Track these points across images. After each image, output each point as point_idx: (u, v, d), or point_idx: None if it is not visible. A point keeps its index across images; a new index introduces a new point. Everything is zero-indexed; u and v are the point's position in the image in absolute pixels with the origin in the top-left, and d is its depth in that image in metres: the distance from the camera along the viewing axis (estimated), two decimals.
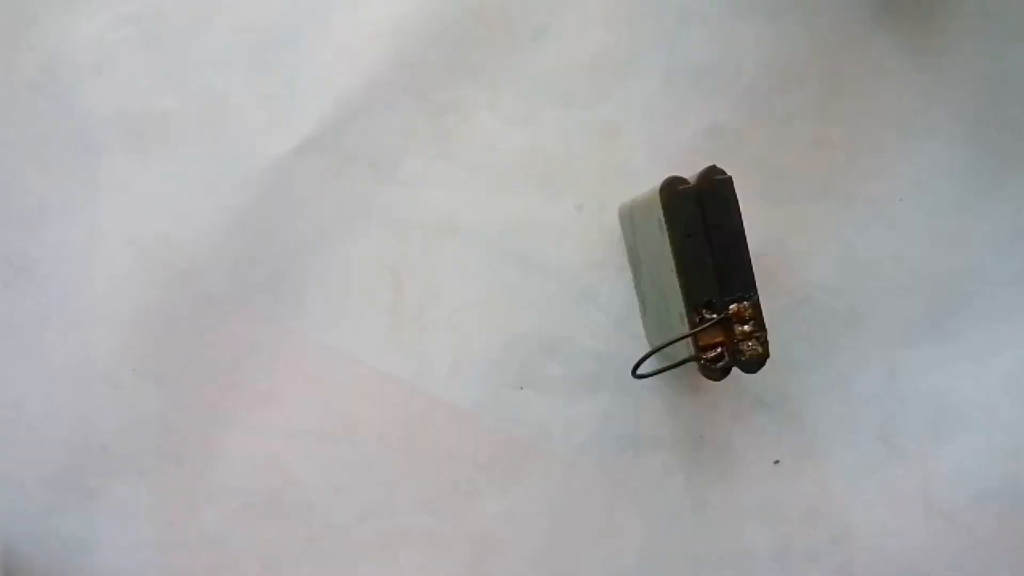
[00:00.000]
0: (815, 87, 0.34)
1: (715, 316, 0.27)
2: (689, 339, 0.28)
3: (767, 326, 0.28)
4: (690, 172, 0.28)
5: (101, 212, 0.33)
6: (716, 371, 0.28)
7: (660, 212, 0.28)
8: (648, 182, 0.29)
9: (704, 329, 0.27)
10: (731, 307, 0.28)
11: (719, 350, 0.28)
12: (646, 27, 0.34)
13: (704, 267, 0.27)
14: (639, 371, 0.29)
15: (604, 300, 0.34)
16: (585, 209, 0.34)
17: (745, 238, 0.28)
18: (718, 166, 0.28)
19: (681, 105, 0.34)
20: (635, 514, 0.33)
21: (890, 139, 0.35)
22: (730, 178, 0.28)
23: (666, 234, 0.28)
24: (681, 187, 0.27)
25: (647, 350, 0.31)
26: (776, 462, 0.34)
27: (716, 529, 0.34)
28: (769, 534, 0.34)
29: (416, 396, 0.33)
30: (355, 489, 0.33)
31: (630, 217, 0.32)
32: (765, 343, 0.28)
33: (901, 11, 0.35)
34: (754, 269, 0.28)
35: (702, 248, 0.28)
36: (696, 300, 0.28)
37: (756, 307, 0.28)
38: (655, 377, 0.33)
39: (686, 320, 0.28)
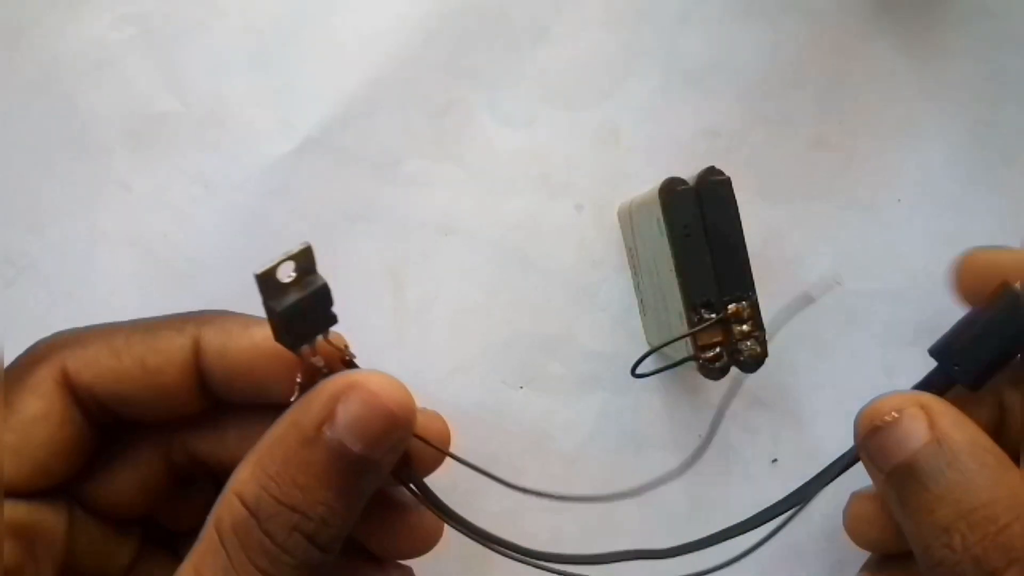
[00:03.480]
0: (813, 88, 0.35)
1: (714, 316, 0.28)
2: (688, 339, 0.28)
3: (765, 326, 0.28)
4: (689, 173, 0.28)
5: (102, 212, 0.33)
6: (715, 370, 0.28)
7: (659, 212, 0.28)
8: (647, 182, 0.29)
9: (703, 329, 0.28)
10: (730, 307, 0.28)
11: (718, 350, 0.28)
12: (646, 28, 0.34)
13: (703, 267, 0.28)
14: (638, 370, 0.29)
15: (603, 300, 0.34)
16: (585, 209, 0.34)
17: (743, 238, 0.28)
18: (717, 167, 0.28)
19: (680, 106, 0.34)
20: (634, 512, 0.34)
21: (888, 140, 0.35)
22: (729, 179, 0.28)
23: (665, 234, 0.28)
24: (680, 188, 0.28)
25: (646, 349, 0.31)
26: (774, 461, 0.34)
27: (714, 528, 0.34)
28: (767, 532, 0.34)
29: (416, 395, 0.33)
30: None
31: (629, 217, 0.32)
32: (763, 343, 0.28)
33: (899, 12, 0.35)
34: (752, 269, 0.28)
35: (701, 248, 0.28)
36: (695, 300, 0.28)
37: (754, 307, 0.28)
38: (654, 376, 0.33)
39: (685, 320, 0.28)
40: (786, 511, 0.25)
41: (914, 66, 0.35)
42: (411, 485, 0.24)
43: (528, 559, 0.24)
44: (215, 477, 0.25)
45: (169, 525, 0.26)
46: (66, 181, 0.33)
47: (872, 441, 0.23)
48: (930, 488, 0.21)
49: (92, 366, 0.22)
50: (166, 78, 0.33)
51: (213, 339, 0.23)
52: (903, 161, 0.35)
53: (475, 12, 0.34)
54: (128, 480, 0.24)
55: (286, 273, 0.20)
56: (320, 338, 0.22)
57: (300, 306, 0.21)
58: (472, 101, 0.34)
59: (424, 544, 0.26)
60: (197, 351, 0.23)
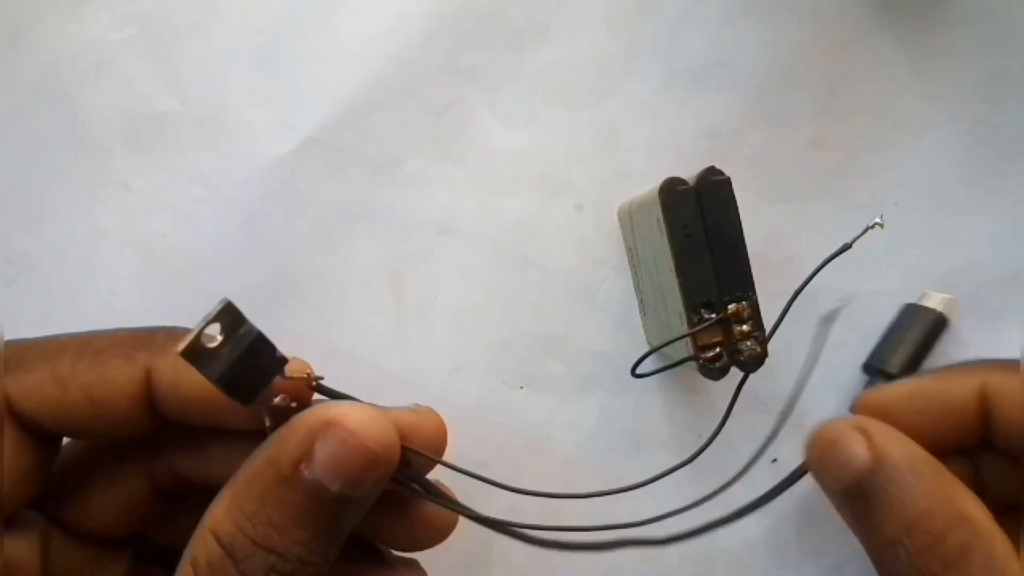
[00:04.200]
0: (813, 88, 0.35)
1: (714, 316, 0.28)
2: (688, 339, 0.28)
3: (765, 326, 0.28)
4: (689, 173, 0.28)
5: (102, 212, 0.33)
6: (714, 370, 0.28)
7: (659, 212, 0.28)
8: (647, 183, 0.29)
9: (703, 329, 0.28)
10: (729, 307, 0.28)
11: (718, 350, 0.28)
12: (645, 28, 0.34)
13: (703, 267, 0.28)
14: (638, 370, 0.29)
15: (603, 299, 0.34)
16: (585, 209, 0.34)
17: (743, 238, 0.28)
18: (716, 167, 0.28)
19: (680, 106, 0.34)
20: (633, 511, 0.34)
21: (887, 140, 0.35)
22: (728, 179, 0.28)
23: (665, 234, 0.28)
24: (680, 188, 0.28)
25: (646, 349, 0.31)
26: (774, 461, 0.34)
27: None
28: (766, 532, 0.34)
29: (416, 395, 0.33)
30: None
31: (629, 217, 0.32)
32: (763, 342, 0.28)
33: (899, 12, 0.35)
34: (752, 269, 0.28)
35: (701, 248, 0.28)
36: (695, 300, 0.28)
37: (754, 307, 0.28)
38: (654, 376, 0.33)
39: (685, 320, 0.28)
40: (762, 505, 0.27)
41: (914, 66, 0.35)
42: (412, 485, 0.24)
43: (551, 544, 0.24)
44: (204, 494, 0.25)
45: (161, 542, 0.26)
46: (66, 181, 0.33)
47: (820, 466, 0.24)
48: (875, 506, 0.22)
49: (35, 395, 0.21)
50: (166, 78, 0.33)
51: (166, 371, 0.22)
52: (903, 161, 0.35)
53: (475, 12, 0.34)
54: (109, 502, 0.24)
55: (211, 338, 0.20)
56: (278, 378, 0.21)
57: (238, 365, 0.20)
58: (472, 101, 0.34)
59: (437, 534, 0.26)
60: (148, 382, 0.22)
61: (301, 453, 0.20)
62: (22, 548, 0.22)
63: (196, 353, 0.19)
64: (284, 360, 0.21)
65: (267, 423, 0.21)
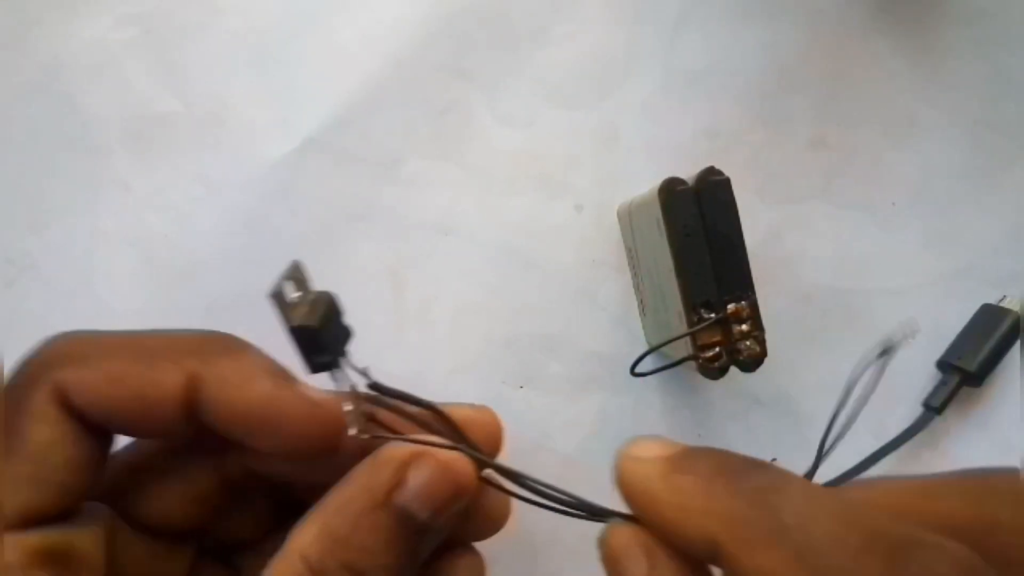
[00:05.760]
0: (812, 89, 0.35)
1: (713, 316, 0.28)
2: (687, 338, 0.28)
3: (764, 326, 0.28)
4: (688, 173, 0.28)
5: (103, 212, 0.33)
6: (714, 370, 0.28)
7: (659, 212, 0.28)
8: (647, 183, 0.30)
9: (702, 328, 0.28)
10: (729, 307, 0.28)
11: (717, 349, 0.28)
12: (645, 28, 0.34)
13: (702, 267, 0.28)
14: (638, 369, 0.30)
15: (603, 299, 0.34)
16: (584, 209, 0.34)
17: (743, 238, 0.28)
18: (716, 167, 0.28)
19: (680, 106, 0.34)
20: None
21: (886, 140, 0.35)
22: (728, 179, 0.28)
23: (665, 234, 0.28)
24: (679, 188, 0.28)
25: (645, 349, 0.31)
26: (773, 460, 0.34)
27: None
28: None
29: (416, 395, 0.33)
30: None
31: (629, 217, 0.32)
32: (763, 342, 0.28)
33: (897, 13, 0.35)
34: (752, 269, 0.28)
35: (700, 248, 0.28)
36: (694, 300, 0.28)
37: (754, 307, 0.28)
38: (654, 376, 0.33)
39: (684, 319, 0.28)
40: None
41: (913, 66, 0.35)
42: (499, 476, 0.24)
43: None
44: (269, 488, 0.25)
45: (222, 536, 0.26)
46: (67, 181, 0.33)
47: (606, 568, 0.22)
48: None
49: (90, 390, 0.22)
50: (167, 78, 0.33)
51: (213, 382, 0.23)
52: (902, 161, 0.35)
53: (475, 12, 0.34)
54: (180, 495, 0.24)
55: (290, 292, 0.20)
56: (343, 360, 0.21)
57: (326, 319, 0.20)
58: (472, 101, 0.34)
59: (494, 524, 0.26)
60: (194, 390, 0.22)
61: (396, 481, 0.21)
62: (85, 540, 0.22)
63: (283, 303, 0.19)
64: (350, 330, 0.21)
65: (348, 407, 0.21)
